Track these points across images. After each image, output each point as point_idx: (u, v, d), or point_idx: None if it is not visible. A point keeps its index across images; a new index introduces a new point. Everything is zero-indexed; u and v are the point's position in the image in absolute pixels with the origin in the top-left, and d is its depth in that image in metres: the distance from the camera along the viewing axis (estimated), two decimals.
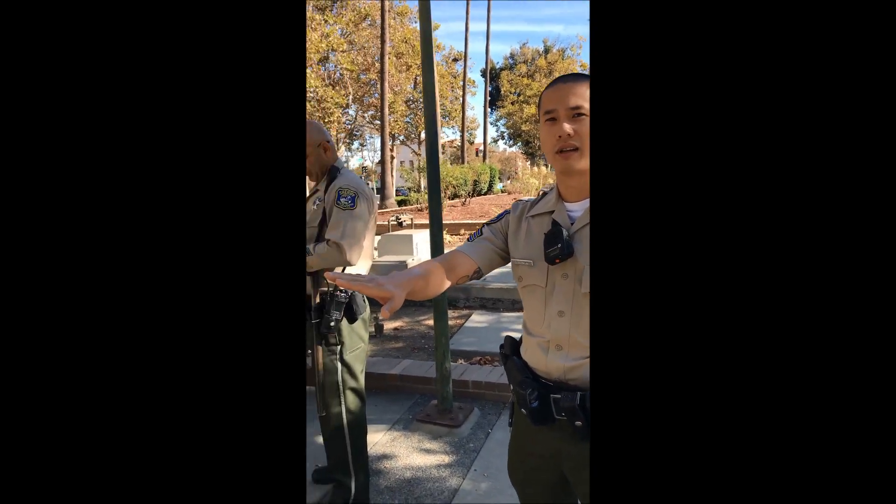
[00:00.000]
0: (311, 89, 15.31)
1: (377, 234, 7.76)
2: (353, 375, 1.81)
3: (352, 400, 1.82)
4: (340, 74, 16.80)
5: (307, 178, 1.84)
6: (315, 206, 1.76)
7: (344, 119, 17.68)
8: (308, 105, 15.33)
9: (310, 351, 1.78)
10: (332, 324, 1.71)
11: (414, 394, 2.90)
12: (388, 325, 4.34)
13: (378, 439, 2.42)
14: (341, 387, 1.79)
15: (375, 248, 6.21)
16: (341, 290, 1.72)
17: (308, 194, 1.83)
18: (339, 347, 1.77)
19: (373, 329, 4.14)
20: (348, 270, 1.73)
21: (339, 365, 1.78)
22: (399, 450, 2.33)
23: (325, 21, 15.97)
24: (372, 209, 1.77)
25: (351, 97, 17.56)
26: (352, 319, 1.76)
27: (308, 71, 15.33)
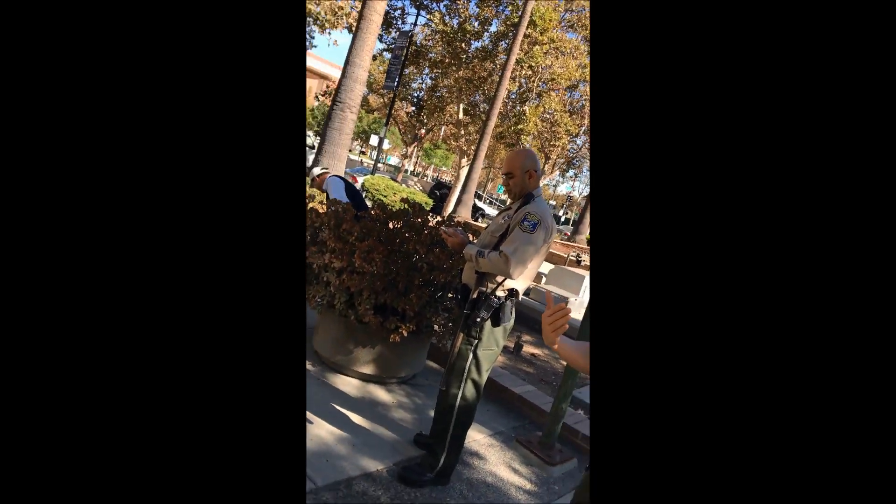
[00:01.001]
0: (549, 111, 15.91)
1: (552, 264, 7.83)
2: (479, 370, 2.04)
3: (470, 389, 2.05)
4: (582, 104, 17.10)
5: (508, 197, 2.11)
6: (503, 221, 2.03)
7: (569, 146, 17.98)
8: (539, 123, 15.95)
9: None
10: (478, 320, 1.97)
11: (525, 417, 3.01)
12: (528, 349, 4.47)
13: (478, 438, 2.62)
14: (465, 374, 2.04)
15: (545, 275, 6.33)
16: (495, 296, 1.96)
17: (500, 210, 2.11)
18: (476, 342, 2.01)
19: (512, 345, 4.32)
20: (506, 284, 1.96)
21: (471, 356, 2.02)
22: (491, 456, 2.50)
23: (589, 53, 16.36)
24: (548, 238, 1.96)
25: (584, 129, 17.74)
26: (495, 323, 1.99)
27: (553, 94, 15.94)
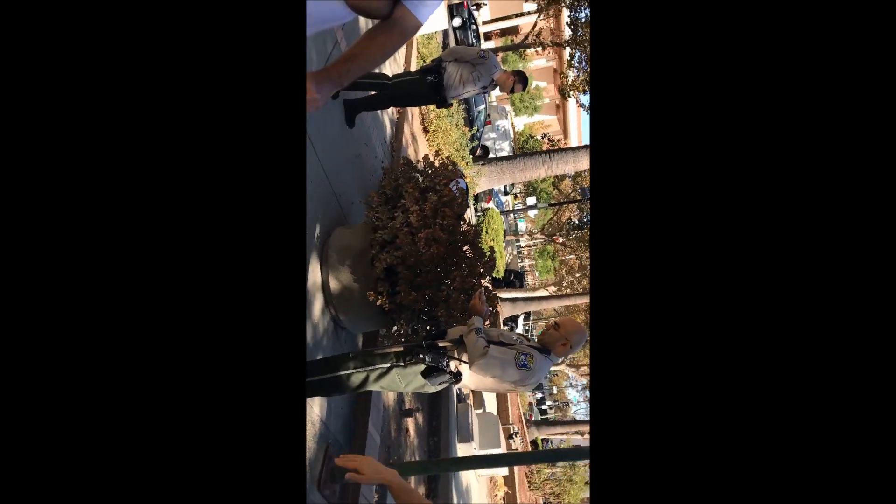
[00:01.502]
0: None
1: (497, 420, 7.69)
2: (375, 380, 2.18)
3: (355, 378, 2.19)
4: None
5: (538, 338, 2.24)
6: (515, 339, 2.15)
7: None
8: None
9: None
10: (420, 356, 2.10)
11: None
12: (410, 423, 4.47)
13: None
14: (368, 370, 2.18)
15: (477, 415, 6.25)
16: (447, 361, 2.09)
17: (522, 337, 2.25)
18: (399, 365, 2.15)
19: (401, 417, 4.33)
20: (463, 368, 2.10)
21: (387, 367, 2.16)
22: None
23: None
24: (518, 387, 2.06)
25: None
26: (425, 374, 2.11)
27: None
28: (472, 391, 7.25)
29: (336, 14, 0.99)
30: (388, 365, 2.14)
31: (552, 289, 17.79)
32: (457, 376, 2.09)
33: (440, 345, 2.13)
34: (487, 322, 2.55)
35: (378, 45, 1.00)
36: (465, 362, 2.07)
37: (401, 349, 2.17)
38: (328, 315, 3.06)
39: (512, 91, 3.88)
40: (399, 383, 2.13)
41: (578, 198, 18.32)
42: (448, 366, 2.08)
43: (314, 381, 2.22)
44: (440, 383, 2.10)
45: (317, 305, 2.95)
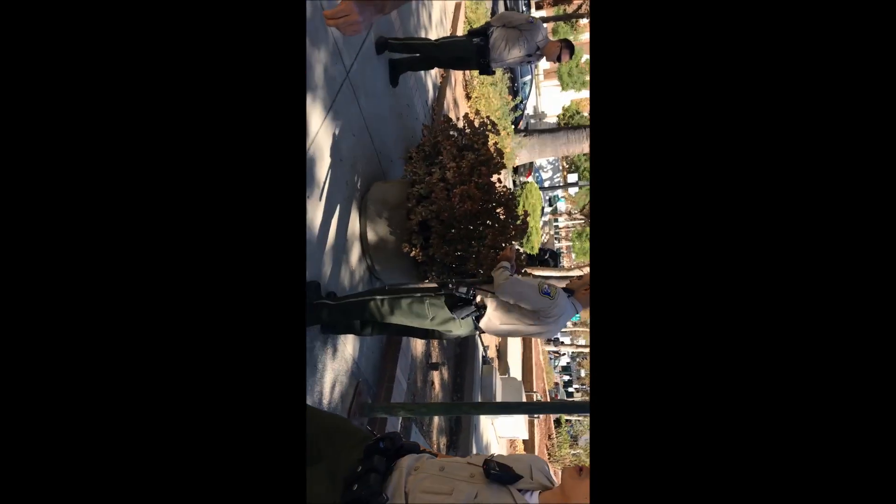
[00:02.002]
0: None
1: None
2: (403, 311, 2.34)
3: (386, 305, 2.36)
4: None
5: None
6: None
7: None
8: None
9: None
10: (454, 289, 2.25)
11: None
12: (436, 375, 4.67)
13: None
14: (401, 297, 2.34)
15: (504, 379, 6.40)
16: (473, 294, 2.24)
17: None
18: (432, 299, 2.33)
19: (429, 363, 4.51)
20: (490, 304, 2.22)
21: (418, 298, 2.33)
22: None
23: None
24: (538, 322, 2.17)
25: None
26: (451, 306, 2.25)
27: None
28: (497, 352, 7.39)
29: None
30: (417, 295, 2.28)
31: (587, 270, 17.56)
32: (481, 309, 2.20)
33: (469, 280, 2.27)
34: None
35: None
36: (490, 292, 2.18)
37: (431, 285, 2.31)
38: (364, 264, 3.23)
39: (559, 60, 3.86)
40: (426, 313, 2.27)
41: None
42: (474, 295, 2.19)
43: (342, 304, 2.38)
44: (465, 315, 2.21)
45: (354, 254, 3.12)
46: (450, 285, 2.24)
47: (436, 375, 4.56)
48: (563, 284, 2.24)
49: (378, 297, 2.37)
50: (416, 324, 2.31)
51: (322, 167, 2.81)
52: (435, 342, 4.46)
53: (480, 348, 5.65)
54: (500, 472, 1.01)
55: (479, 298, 2.23)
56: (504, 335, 2.31)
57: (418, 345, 4.10)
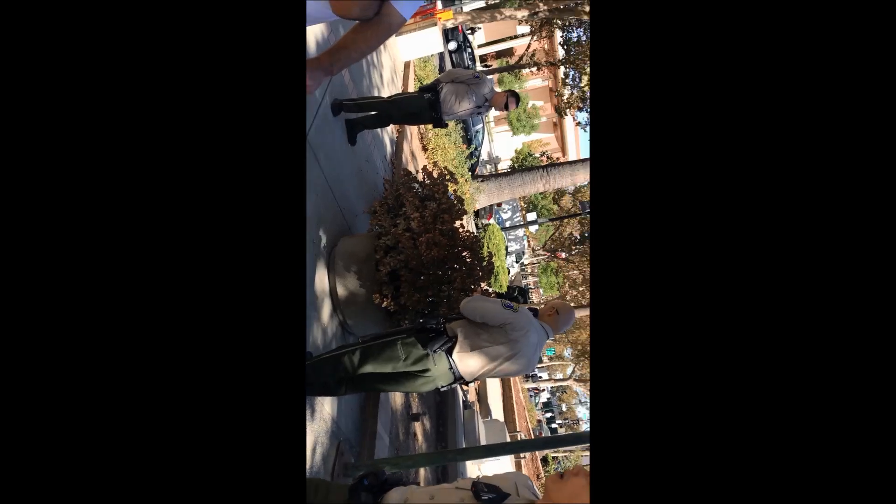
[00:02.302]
0: None
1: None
2: (374, 358, 2.34)
3: (351, 359, 2.36)
4: None
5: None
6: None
7: None
8: None
9: None
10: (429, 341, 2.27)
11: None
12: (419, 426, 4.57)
13: None
14: (372, 347, 2.35)
15: (486, 423, 6.31)
16: (444, 325, 2.29)
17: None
18: (409, 346, 2.34)
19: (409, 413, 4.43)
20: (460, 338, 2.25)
21: (398, 346, 2.34)
22: None
23: None
24: (507, 340, 2.21)
25: None
26: (424, 344, 2.27)
27: None
28: (477, 395, 7.30)
29: (325, 14, 1.09)
30: (388, 339, 2.29)
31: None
32: (452, 339, 2.22)
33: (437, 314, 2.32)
34: None
35: (364, 38, 1.11)
36: (457, 317, 2.26)
37: (401, 328, 2.33)
38: (336, 319, 3.23)
39: (506, 108, 4.11)
40: (399, 354, 2.25)
41: (578, 212, 18.51)
42: (443, 325, 2.23)
43: (313, 363, 2.35)
44: (437, 347, 2.21)
45: (325, 311, 3.12)
46: (420, 320, 2.27)
47: (418, 426, 4.47)
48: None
49: (349, 349, 2.36)
50: (389, 368, 2.29)
51: None
52: (415, 394, 4.40)
53: (460, 394, 5.59)
54: (489, 493, 1.03)
55: (449, 330, 2.26)
56: (482, 374, 2.32)
57: (397, 398, 4.05)
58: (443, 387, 2.35)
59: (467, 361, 2.28)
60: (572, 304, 16.02)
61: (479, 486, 1.06)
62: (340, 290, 3.16)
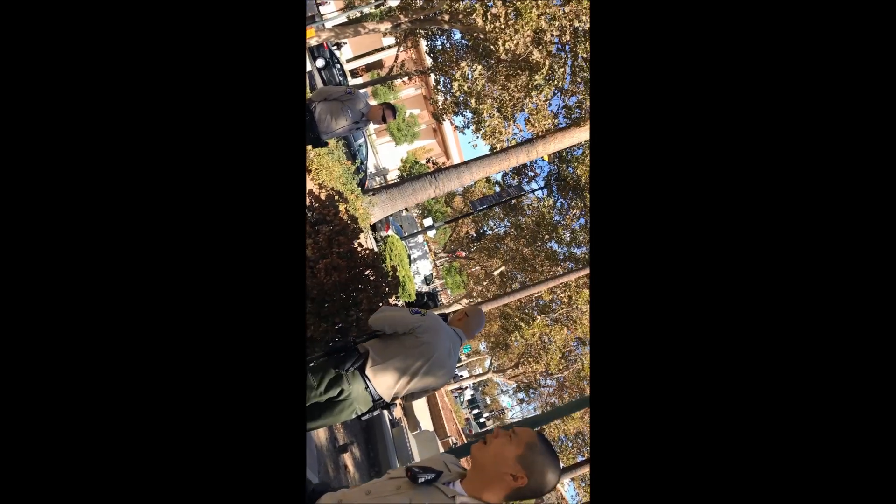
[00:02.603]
0: (547, 333, 16.50)
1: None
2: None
3: None
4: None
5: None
6: None
7: (540, 375, 18.30)
8: (536, 333, 16.45)
9: None
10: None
11: None
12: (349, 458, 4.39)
13: None
14: None
15: (414, 434, 6.25)
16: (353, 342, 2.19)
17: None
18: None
19: (338, 444, 4.26)
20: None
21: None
22: None
23: None
24: (422, 334, 2.18)
25: (558, 361, 18.14)
26: (332, 364, 2.17)
27: (565, 331, 16.65)
28: (403, 411, 7.21)
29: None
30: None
31: (465, 301, 18.29)
32: (364, 355, 2.14)
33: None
34: None
35: None
36: (367, 335, 2.19)
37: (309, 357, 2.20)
38: None
39: (384, 121, 4.10)
40: (311, 383, 2.12)
41: (470, 211, 19.16)
42: (353, 342, 2.15)
43: None
44: (350, 366, 2.11)
45: None
46: (329, 345, 2.17)
47: (347, 457, 4.30)
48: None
49: None
50: (304, 402, 2.17)
51: None
52: (339, 424, 4.22)
53: (385, 413, 5.48)
54: (425, 474, 1.06)
55: (359, 348, 2.19)
56: (402, 391, 2.25)
57: (321, 433, 3.85)
58: (364, 414, 2.25)
59: (382, 377, 2.20)
60: (479, 301, 16.49)
61: (413, 471, 1.08)
62: None
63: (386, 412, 5.55)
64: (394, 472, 1.14)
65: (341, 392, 2.16)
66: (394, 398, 2.25)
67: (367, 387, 2.17)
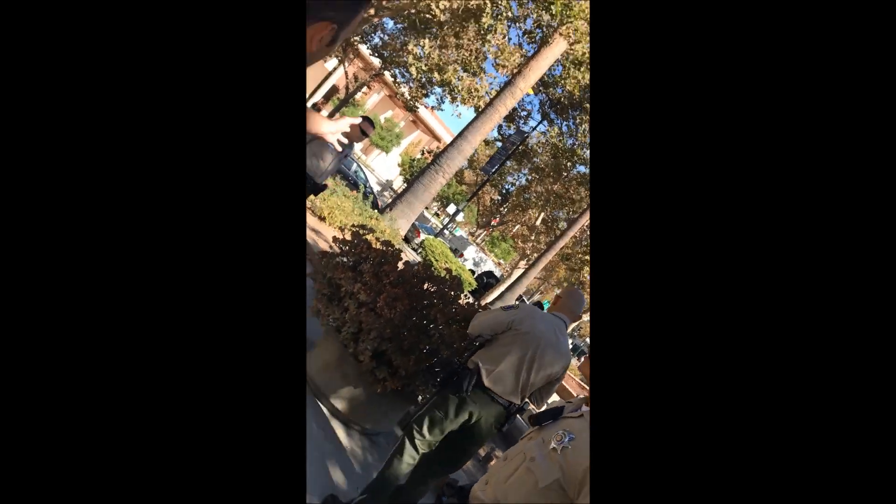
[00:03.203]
0: None
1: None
2: (419, 429, 2.16)
3: (402, 450, 2.17)
4: None
5: None
6: None
7: None
8: None
9: None
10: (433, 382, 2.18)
11: None
12: None
13: None
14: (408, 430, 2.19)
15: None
16: (459, 364, 2.20)
17: None
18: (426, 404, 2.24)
19: (483, 453, 4.14)
20: (472, 358, 2.18)
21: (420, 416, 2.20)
22: None
23: None
24: (520, 327, 2.15)
25: None
26: (444, 387, 2.17)
27: None
28: None
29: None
30: (420, 414, 2.11)
31: (522, 263, 18.00)
32: (474, 372, 2.09)
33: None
34: None
35: None
36: (471, 353, 2.17)
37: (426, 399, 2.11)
38: (356, 433, 2.88)
39: (365, 135, 3.92)
40: (438, 416, 2.09)
41: (485, 178, 18.77)
42: (460, 364, 2.13)
43: (362, 499, 2.09)
44: (469, 385, 2.06)
45: (341, 433, 2.76)
46: (435, 370, 2.17)
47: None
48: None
49: (394, 455, 2.09)
50: (438, 435, 2.10)
51: None
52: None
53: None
54: (545, 416, 1.16)
55: (470, 364, 2.16)
56: (525, 388, 2.10)
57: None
58: (502, 425, 2.15)
59: (500, 381, 2.10)
60: (534, 255, 16.20)
61: (535, 417, 1.19)
62: (341, 405, 2.81)
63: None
64: (525, 436, 1.24)
65: (471, 415, 2.10)
66: (523, 398, 2.13)
67: (492, 398, 2.09)
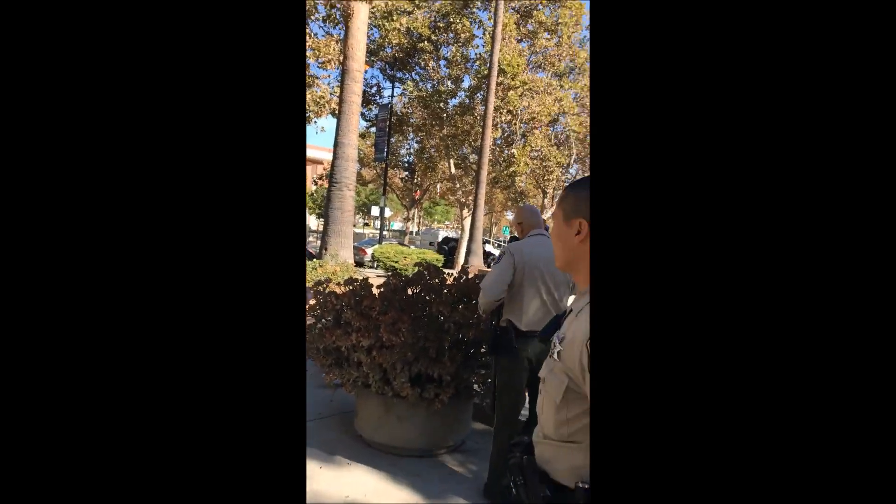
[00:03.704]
0: (536, 148, 16.26)
1: None
2: (505, 396, 2.26)
3: (503, 401, 2.27)
4: (566, 136, 17.49)
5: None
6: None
7: (564, 177, 18.22)
8: (530, 162, 16.26)
9: None
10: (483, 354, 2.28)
11: None
12: None
13: None
14: (496, 394, 2.28)
15: None
16: (493, 326, 2.29)
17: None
18: (494, 376, 2.32)
19: None
20: (505, 316, 2.24)
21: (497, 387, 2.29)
22: None
23: (561, 86, 16.94)
24: (520, 265, 2.19)
25: (574, 157, 18.05)
26: (493, 351, 2.29)
27: (536, 131, 16.36)
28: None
29: None
30: (491, 391, 2.27)
31: (465, 212, 18.05)
32: (507, 325, 2.20)
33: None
34: None
35: None
36: (499, 316, 2.26)
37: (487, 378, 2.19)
38: (446, 455, 2.79)
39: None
40: (506, 382, 2.23)
41: (383, 165, 18.47)
42: (493, 325, 2.27)
43: (489, 485, 2.25)
44: (508, 340, 2.18)
45: (440, 464, 2.67)
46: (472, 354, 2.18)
47: None
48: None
49: (498, 436, 2.22)
50: (516, 396, 2.25)
51: None
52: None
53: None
54: (547, 330, 1.09)
55: (502, 324, 2.26)
56: (565, 300, 2.23)
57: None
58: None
59: (533, 319, 2.19)
60: (469, 201, 16.29)
61: (542, 333, 1.15)
62: (420, 443, 2.71)
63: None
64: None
65: (529, 362, 2.20)
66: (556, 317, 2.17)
67: (535, 337, 2.17)
